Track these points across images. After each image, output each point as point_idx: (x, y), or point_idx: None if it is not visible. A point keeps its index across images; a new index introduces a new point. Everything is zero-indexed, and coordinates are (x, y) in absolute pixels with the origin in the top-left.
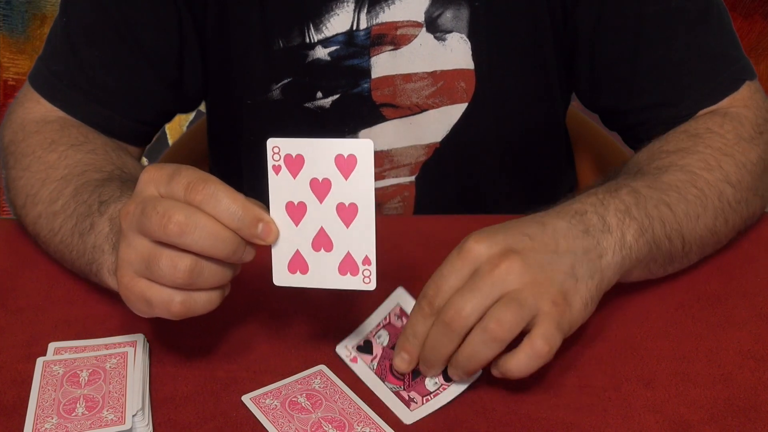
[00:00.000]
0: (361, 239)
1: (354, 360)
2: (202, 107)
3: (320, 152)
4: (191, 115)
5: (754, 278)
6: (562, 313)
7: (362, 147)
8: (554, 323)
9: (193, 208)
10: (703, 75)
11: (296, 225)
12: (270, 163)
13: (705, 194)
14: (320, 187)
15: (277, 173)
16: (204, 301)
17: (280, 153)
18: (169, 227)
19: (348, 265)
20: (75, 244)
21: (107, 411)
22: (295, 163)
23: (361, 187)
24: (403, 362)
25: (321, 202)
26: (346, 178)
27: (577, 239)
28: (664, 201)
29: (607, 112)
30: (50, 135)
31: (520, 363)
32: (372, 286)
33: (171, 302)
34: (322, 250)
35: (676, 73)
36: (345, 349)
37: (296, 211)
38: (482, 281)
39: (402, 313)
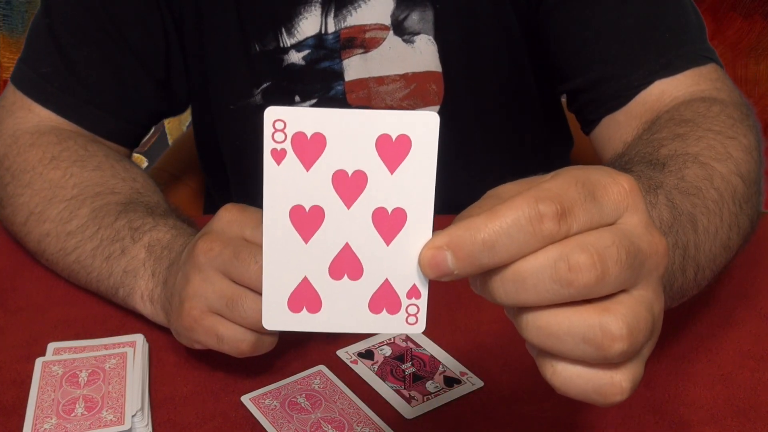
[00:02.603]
0: (407, 261)
1: (354, 362)
2: None
3: (352, 130)
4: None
5: (754, 278)
6: (656, 301)
7: (423, 123)
8: (647, 305)
9: None
10: (659, 46)
11: (305, 241)
12: (268, 145)
13: (722, 197)
14: (349, 185)
15: (278, 162)
16: (269, 343)
17: (285, 131)
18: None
19: (385, 299)
20: (97, 266)
21: (106, 411)
22: (309, 147)
23: (416, 185)
24: (436, 264)
25: (349, 207)
26: (392, 171)
27: None
28: (691, 217)
29: (568, 96)
30: (49, 150)
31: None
32: (420, 327)
33: (243, 341)
34: (345, 277)
35: (625, 43)
36: (346, 354)
37: (307, 221)
38: (638, 245)
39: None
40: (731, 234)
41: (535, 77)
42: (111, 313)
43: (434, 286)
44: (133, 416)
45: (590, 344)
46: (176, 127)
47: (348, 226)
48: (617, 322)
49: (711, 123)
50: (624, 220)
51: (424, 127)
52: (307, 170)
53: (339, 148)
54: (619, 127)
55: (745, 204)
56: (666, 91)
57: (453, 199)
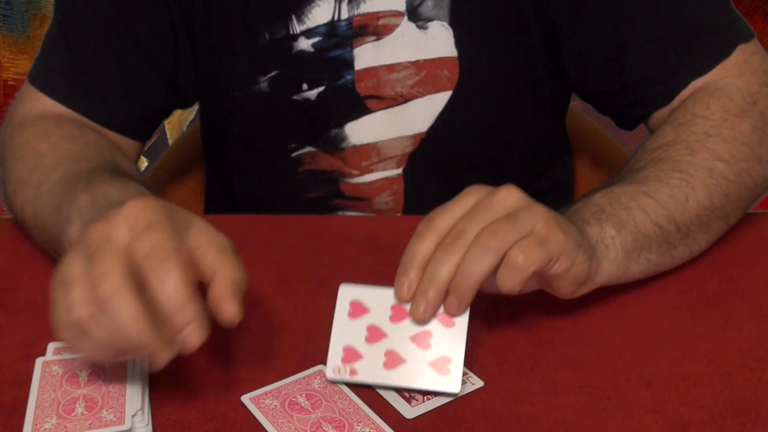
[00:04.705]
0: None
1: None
2: None
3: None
4: (191, 115)
5: (754, 278)
6: (549, 233)
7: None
8: (537, 239)
9: (130, 292)
10: (690, 46)
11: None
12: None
13: (690, 174)
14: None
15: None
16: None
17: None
18: (99, 296)
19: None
20: (52, 220)
21: (107, 411)
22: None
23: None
24: (402, 287)
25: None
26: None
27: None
28: (641, 191)
29: (599, 96)
30: (45, 126)
31: (501, 276)
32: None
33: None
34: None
35: (661, 47)
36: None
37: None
38: (482, 205)
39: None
40: (713, 200)
41: (547, 69)
42: None
43: None
44: (133, 416)
45: (486, 254)
46: (176, 127)
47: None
48: (486, 232)
49: (698, 124)
50: (473, 200)
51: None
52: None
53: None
54: (664, 119)
55: (735, 176)
56: (696, 86)
57: (461, 186)
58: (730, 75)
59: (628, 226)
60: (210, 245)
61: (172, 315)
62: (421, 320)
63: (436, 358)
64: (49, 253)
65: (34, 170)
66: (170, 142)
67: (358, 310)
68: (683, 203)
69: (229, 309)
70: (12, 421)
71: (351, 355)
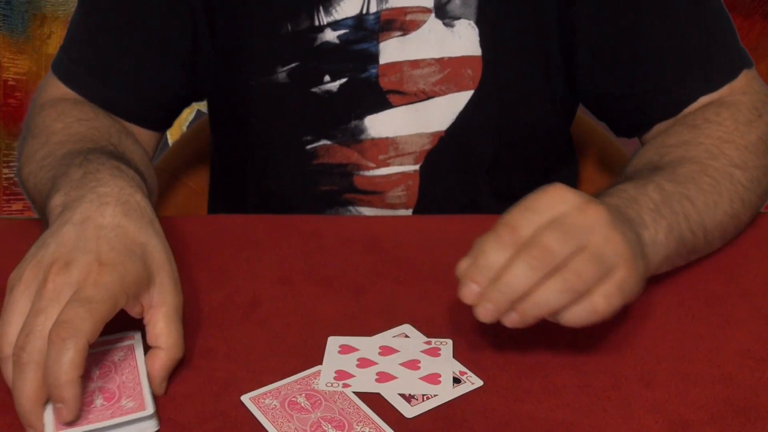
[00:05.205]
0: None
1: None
2: (204, 107)
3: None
4: (191, 116)
5: (754, 278)
6: (629, 277)
7: None
8: (618, 285)
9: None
10: (703, 62)
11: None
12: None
13: (717, 181)
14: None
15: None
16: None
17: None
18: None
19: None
20: (47, 189)
21: (126, 400)
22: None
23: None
24: (470, 293)
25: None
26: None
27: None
28: (685, 195)
29: (604, 99)
30: (62, 107)
31: (576, 316)
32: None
33: None
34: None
35: (675, 58)
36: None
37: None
38: (571, 223)
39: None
40: (734, 206)
41: (561, 73)
42: None
43: (431, 285)
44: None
45: (566, 292)
46: (176, 127)
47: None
48: (571, 272)
49: (712, 129)
50: (558, 210)
51: None
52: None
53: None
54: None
55: (749, 183)
56: (703, 103)
57: (474, 185)
58: (735, 94)
59: (673, 233)
60: (161, 312)
61: (51, 387)
62: (485, 319)
63: (427, 374)
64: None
65: (43, 146)
66: (170, 142)
67: (347, 350)
68: (713, 210)
69: (157, 390)
70: (13, 420)
71: (343, 375)
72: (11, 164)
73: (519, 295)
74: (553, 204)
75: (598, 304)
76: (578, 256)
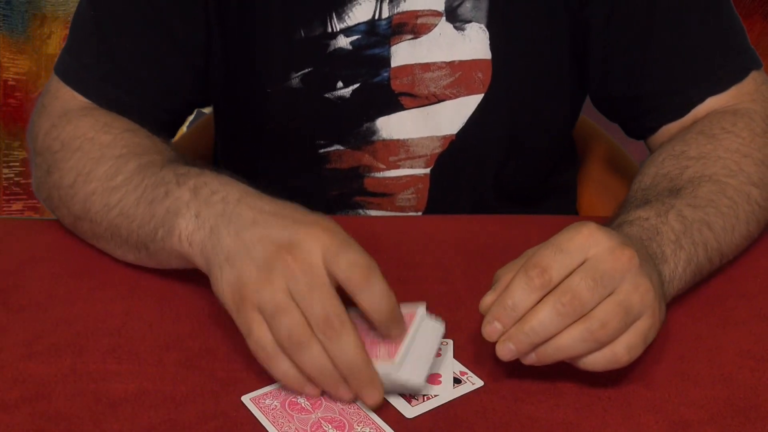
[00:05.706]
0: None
1: None
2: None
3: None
4: (191, 116)
5: (754, 278)
6: (652, 327)
7: None
8: (643, 336)
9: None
10: (711, 62)
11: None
12: None
13: (735, 202)
14: None
15: None
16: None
17: None
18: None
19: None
20: (140, 213)
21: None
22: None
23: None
24: (494, 331)
25: None
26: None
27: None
28: (705, 221)
29: (616, 102)
30: (102, 118)
31: (597, 363)
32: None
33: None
34: None
35: (685, 59)
36: None
37: None
38: (603, 269)
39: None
40: (749, 227)
41: (570, 78)
42: (113, 312)
43: (434, 285)
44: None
45: (589, 342)
46: None
47: None
48: (597, 322)
49: (731, 140)
50: (590, 253)
51: None
52: None
53: None
54: (672, 136)
55: (764, 202)
56: (712, 106)
57: (481, 190)
58: (745, 101)
59: (692, 265)
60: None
61: (348, 376)
62: (504, 358)
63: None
64: (97, 247)
65: (99, 162)
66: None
67: None
68: (730, 234)
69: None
70: (14, 420)
71: None
72: (11, 164)
73: (542, 340)
74: (585, 246)
75: (621, 355)
76: (606, 305)
